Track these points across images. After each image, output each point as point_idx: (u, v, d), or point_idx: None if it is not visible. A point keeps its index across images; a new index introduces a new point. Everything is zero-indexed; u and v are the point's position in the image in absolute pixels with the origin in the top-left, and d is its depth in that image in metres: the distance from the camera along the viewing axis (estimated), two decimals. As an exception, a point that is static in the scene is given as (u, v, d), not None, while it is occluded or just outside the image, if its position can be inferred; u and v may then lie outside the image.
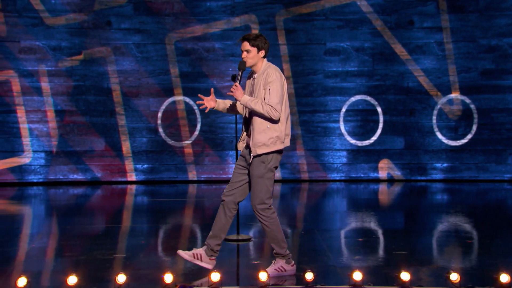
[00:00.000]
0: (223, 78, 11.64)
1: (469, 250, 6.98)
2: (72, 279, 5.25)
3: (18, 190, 11.07)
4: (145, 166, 11.70)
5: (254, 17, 11.73)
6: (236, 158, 5.98)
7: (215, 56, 11.69)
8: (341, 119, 11.83)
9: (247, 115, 5.69)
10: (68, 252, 6.73)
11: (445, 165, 11.87)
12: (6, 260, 6.37)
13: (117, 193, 11.08)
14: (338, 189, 11.34)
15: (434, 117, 11.81)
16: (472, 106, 11.80)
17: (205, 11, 11.68)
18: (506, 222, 8.63)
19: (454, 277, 5.34)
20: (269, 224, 5.65)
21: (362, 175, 11.88)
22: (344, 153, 11.87)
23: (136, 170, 11.67)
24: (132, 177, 11.67)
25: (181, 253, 5.73)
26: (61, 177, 11.51)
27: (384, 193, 11.18)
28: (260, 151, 5.57)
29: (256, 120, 5.58)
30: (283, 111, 5.60)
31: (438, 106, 11.82)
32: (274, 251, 5.75)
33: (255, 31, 11.69)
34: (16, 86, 11.37)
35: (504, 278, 5.29)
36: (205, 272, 5.72)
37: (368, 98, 11.83)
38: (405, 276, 5.37)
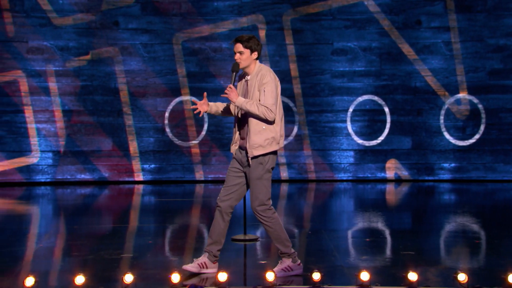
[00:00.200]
0: (230, 78, 11.64)
1: (477, 250, 6.96)
2: (80, 279, 5.26)
3: (26, 190, 11.10)
4: (152, 166, 11.71)
5: (261, 17, 11.73)
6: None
7: (222, 56, 11.69)
8: (348, 119, 11.82)
9: (239, 117, 5.69)
10: (76, 252, 6.75)
11: (452, 165, 11.84)
12: (14, 260, 6.39)
13: (124, 193, 11.09)
14: (345, 189, 11.33)
15: (442, 117, 11.79)
16: (480, 106, 11.77)
17: (213, 11, 11.69)
18: (514, 223, 8.61)
19: (462, 277, 5.32)
20: (271, 225, 5.65)
21: (369, 175, 11.86)
22: (351, 153, 11.86)
23: (143, 170, 11.68)
24: (139, 177, 11.68)
25: (187, 267, 5.72)
26: (68, 177, 11.54)
27: (392, 193, 11.16)
28: (256, 152, 5.57)
29: (252, 122, 5.58)
30: (278, 112, 5.60)
31: (446, 106, 11.79)
32: (280, 251, 5.75)
33: (262, 31, 11.69)
34: (24, 86, 11.40)
35: (512, 278, 5.27)
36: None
37: (376, 98, 11.81)
38: (412, 276, 5.35)
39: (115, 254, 6.53)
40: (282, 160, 11.83)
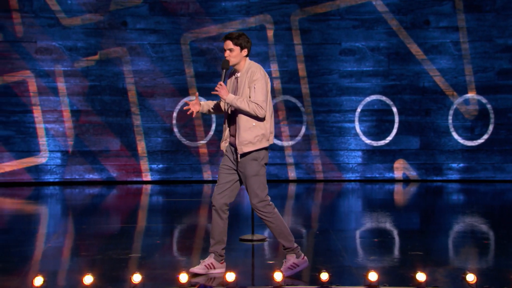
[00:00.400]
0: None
1: (485, 250, 6.94)
2: (88, 279, 5.27)
3: (34, 189, 11.14)
4: (160, 166, 11.73)
5: (269, 17, 11.73)
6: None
7: (230, 56, 11.68)
8: (356, 119, 11.80)
9: (229, 114, 5.69)
10: (84, 252, 6.76)
11: (461, 165, 11.80)
12: (23, 260, 6.40)
13: (132, 193, 11.11)
14: (353, 189, 11.31)
15: (450, 117, 11.75)
16: (489, 106, 11.73)
17: (220, 11, 11.69)
18: (523, 223, 8.58)
19: (471, 278, 5.31)
20: (272, 220, 5.65)
21: (377, 175, 11.84)
22: (359, 153, 11.84)
23: (151, 170, 11.70)
24: (147, 177, 11.70)
25: (194, 269, 5.72)
26: (77, 176, 11.57)
27: (400, 193, 11.14)
28: (246, 149, 5.58)
29: (242, 118, 5.58)
30: (268, 109, 5.61)
31: (454, 106, 11.75)
32: (284, 247, 5.74)
33: (270, 31, 11.69)
34: (32, 86, 11.44)
35: (521, 279, 5.25)
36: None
37: (384, 98, 11.79)
38: (421, 276, 5.34)
39: (123, 254, 6.54)
40: (290, 160, 11.82)
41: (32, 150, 11.47)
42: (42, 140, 11.48)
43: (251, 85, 5.58)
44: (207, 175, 11.77)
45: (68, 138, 11.52)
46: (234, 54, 5.63)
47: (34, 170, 11.47)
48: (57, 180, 11.51)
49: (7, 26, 11.33)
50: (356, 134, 11.81)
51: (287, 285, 5.47)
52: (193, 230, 8.01)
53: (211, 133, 11.77)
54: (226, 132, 5.73)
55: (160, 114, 11.70)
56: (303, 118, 11.81)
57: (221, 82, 5.58)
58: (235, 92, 5.68)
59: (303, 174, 11.84)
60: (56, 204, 10.20)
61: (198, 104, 5.79)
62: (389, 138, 11.82)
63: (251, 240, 7.06)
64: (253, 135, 5.58)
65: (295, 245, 5.75)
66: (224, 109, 5.75)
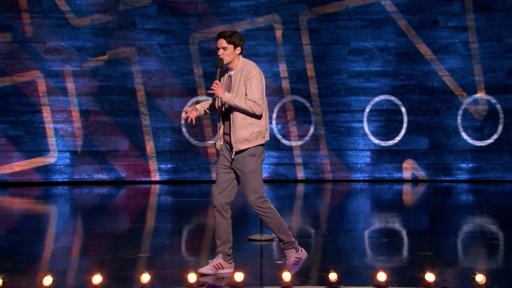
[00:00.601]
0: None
1: (495, 251, 6.92)
2: (97, 278, 5.28)
3: (43, 189, 11.17)
4: (169, 166, 11.75)
5: (277, 17, 11.72)
6: None
7: (238, 56, 11.69)
8: (365, 119, 11.78)
9: (224, 112, 5.69)
10: (93, 252, 6.78)
11: (470, 165, 11.77)
12: (32, 259, 6.43)
13: (141, 193, 11.13)
14: (361, 189, 11.29)
15: (459, 117, 11.72)
16: (498, 106, 11.69)
17: (229, 11, 11.70)
18: (532, 223, 8.54)
19: (480, 278, 5.29)
20: (271, 215, 5.65)
21: (386, 175, 11.82)
22: (368, 153, 11.82)
23: (159, 170, 11.72)
24: (156, 177, 11.72)
25: (203, 270, 5.72)
26: (85, 176, 11.60)
27: (408, 193, 11.11)
28: (242, 146, 5.59)
29: (238, 116, 5.59)
30: (263, 106, 5.61)
31: (463, 106, 11.72)
32: (282, 243, 5.73)
33: (279, 31, 11.69)
34: (41, 86, 11.48)
35: (530, 280, 5.23)
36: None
37: (392, 98, 11.77)
38: (430, 277, 5.33)
39: (132, 253, 6.56)
40: (299, 160, 11.81)
41: (41, 150, 11.51)
42: (51, 140, 11.52)
43: (247, 83, 5.58)
44: (215, 175, 11.76)
45: (77, 138, 11.56)
46: (227, 52, 5.63)
47: (43, 170, 11.51)
48: (66, 180, 11.55)
49: (17, 26, 11.37)
50: (365, 134, 11.79)
51: (296, 285, 5.46)
52: (202, 230, 8.02)
53: (220, 133, 11.77)
54: (221, 131, 5.75)
55: (168, 114, 11.72)
56: (311, 118, 11.81)
57: (217, 81, 5.59)
58: (228, 90, 5.69)
59: (311, 174, 11.83)
60: (65, 204, 10.23)
61: (195, 110, 5.83)
62: (398, 138, 11.80)
63: (260, 240, 7.06)
64: (249, 132, 5.60)
65: (293, 238, 5.76)
66: (218, 107, 5.76)
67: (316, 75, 11.78)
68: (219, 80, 5.62)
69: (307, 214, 9.26)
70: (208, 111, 5.91)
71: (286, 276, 5.37)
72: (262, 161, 5.72)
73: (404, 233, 7.81)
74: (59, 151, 11.53)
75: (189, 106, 5.91)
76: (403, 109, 11.77)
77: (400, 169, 11.81)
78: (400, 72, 11.76)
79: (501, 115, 11.68)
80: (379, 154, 11.81)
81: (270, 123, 11.70)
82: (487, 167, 11.75)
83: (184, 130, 11.74)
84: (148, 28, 11.65)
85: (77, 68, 11.54)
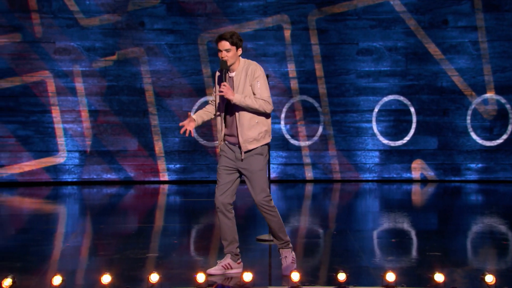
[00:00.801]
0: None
1: (504, 251, 6.89)
2: (106, 278, 5.29)
3: (53, 189, 11.21)
4: (178, 166, 11.76)
5: (286, 17, 11.72)
6: None
7: (247, 56, 11.63)
8: (374, 119, 11.76)
9: (226, 114, 5.66)
10: (102, 251, 6.80)
11: (479, 165, 11.73)
12: (41, 259, 6.45)
13: (149, 192, 11.15)
14: (370, 189, 11.27)
15: (468, 117, 11.68)
16: (508, 106, 11.65)
17: (238, 11, 11.70)
18: (542, 224, 8.50)
19: (490, 279, 5.27)
20: (275, 214, 5.68)
21: (394, 176, 11.79)
22: (377, 153, 11.80)
23: (168, 170, 11.73)
24: (165, 177, 11.74)
25: (212, 271, 5.72)
26: (94, 176, 11.63)
27: (417, 193, 11.09)
28: (251, 146, 5.60)
29: (245, 116, 5.58)
30: None
31: (473, 106, 11.68)
32: (281, 242, 5.73)
33: (287, 31, 11.68)
34: (51, 86, 11.52)
35: (540, 280, 5.21)
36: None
37: (401, 98, 11.74)
38: (439, 277, 5.31)
39: (141, 253, 6.57)
40: (307, 160, 11.81)
41: (50, 150, 11.54)
42: (61, 140, 11.55)
43: (253, 82, 5.58)
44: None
45: (86, 138, 11.59)
46: (230, 54, 5.64)
47: (52, 170, 11.55)
48: (75, 180, 11.58)
49: (26, 26, 11.41)
50: (374, 134, 11.77)
51: (304, 285, 5.46)
52: (210, 230, 8.02)
53: (228, 133, 11.77)
54: (222, 133, 5.74)
55: (177, 114, 11.73)
56: (320, 118, 11.79)
57: (225, 83, 5.57)
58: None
59: (320, 174, 11.82)
60: (74, 204, 10.26)
61: (193, 121, 5.82)
62: (407, 138, 11.77)
63: (268, 240, 7.06)
64: (257, 132, 5.61)
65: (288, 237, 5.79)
66: (218, 109, 5.71)
67: (324, 75, 11.77)
68: (225, 81, 5.61)
69: (316, 214, 9.25)
70: (205, 118, 5.89)
71: (295, 276, 5.37)
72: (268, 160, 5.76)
73: (413, 233, 7.79)
74: (68, 151, 11.57)
75: (186, 119, 5.88)
76: (412, 109, 11.74)
77: (409, 169, 11.78)
78: (409, 72, 11.73)
79: (511, 115, 11.64)
80: (388, 154, 11.78)
81: (278, 123, 11.70)
82: (496, 167, 11.70)
83: (192, 130, 11.73)
84: (157, 28, 11.67)
85: (86, 68, 11.57)
